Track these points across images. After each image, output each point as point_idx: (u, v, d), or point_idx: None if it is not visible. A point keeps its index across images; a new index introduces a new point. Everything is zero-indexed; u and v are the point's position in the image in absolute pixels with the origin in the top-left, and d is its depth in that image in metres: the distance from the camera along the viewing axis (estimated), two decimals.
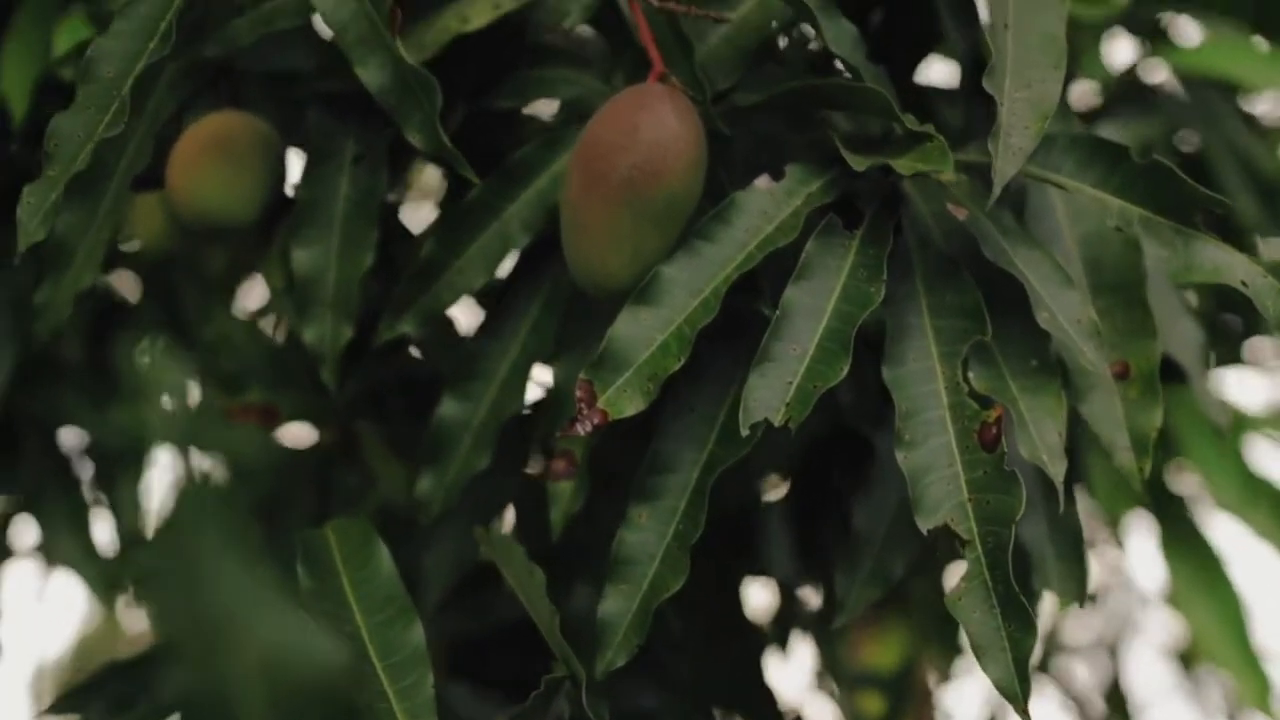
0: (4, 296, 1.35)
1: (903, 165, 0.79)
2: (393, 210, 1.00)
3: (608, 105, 0.85)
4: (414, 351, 1.14)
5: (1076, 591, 0.93)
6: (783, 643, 1.44)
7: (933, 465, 0.80)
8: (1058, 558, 0.93)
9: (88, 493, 1.50)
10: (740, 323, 0.85)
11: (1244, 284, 0.81)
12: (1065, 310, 0.83)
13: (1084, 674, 2.19)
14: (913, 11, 1.02)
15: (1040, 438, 0.80)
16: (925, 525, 0.78)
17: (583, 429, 0.79)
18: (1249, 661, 1.56)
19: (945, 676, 1.88)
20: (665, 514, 0.84)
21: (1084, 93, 1.55)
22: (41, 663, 2.38)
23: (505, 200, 0.93)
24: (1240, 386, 1.80)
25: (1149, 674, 2.17)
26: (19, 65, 1.23)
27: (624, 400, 0.79)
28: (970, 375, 0.82)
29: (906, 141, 0.84)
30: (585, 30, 1.11)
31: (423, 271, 0.93)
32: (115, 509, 1.49)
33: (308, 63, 0.99)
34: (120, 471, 1.48)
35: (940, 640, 1.63)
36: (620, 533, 0.84)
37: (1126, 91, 1.55)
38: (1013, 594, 0.75)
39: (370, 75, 0.86)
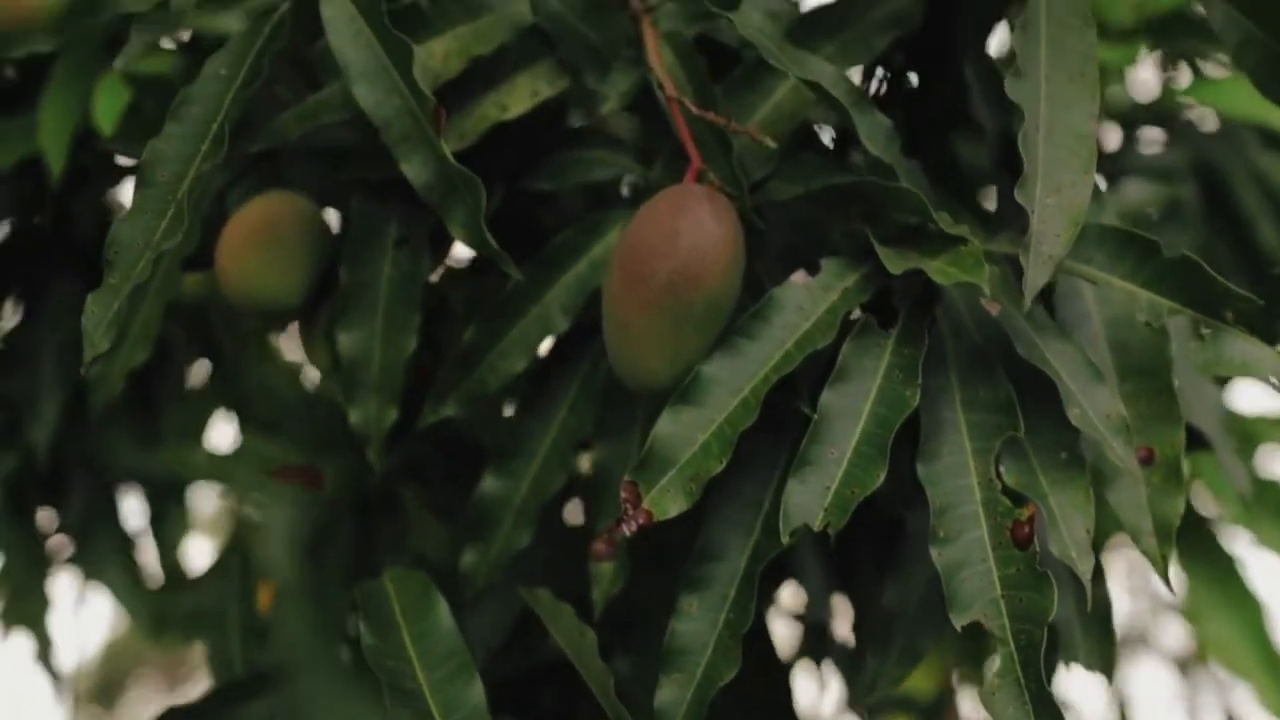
0: (51, 341, 1.38)
1: (938, 273, 0.81)
2: (434, 288, 1.02)
3: (647, 207, 0.87)
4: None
5: (1103, 665, 0.96)
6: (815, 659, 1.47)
7: (966, 561, 0.82)
8: (1085, 634, 0.96)
9: (133, 527, 1.54)
10: (780, 415, 0.87)
11: (1273, 381, 0.83)
12: (1096, 405, 0.85)
13: (1088, 684, 2.23)
14: (943, 88, 1.03)
15: (1069, 534, 0.83)
16: (959, 621, 0.81)
17: (628, 529, 0.82)
18: (1271, 669, 1.58)
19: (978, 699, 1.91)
20: (715, 602, 0.86)
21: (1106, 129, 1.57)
22: (74, 665, 2.43)
23: (544, 286, 0.96)
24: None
25: (1155, 683, 2.20)
26: (56, 121, 1.26)
27: (667, 500, 0.82)
28: (1002, 470, 0.85)
29: (941, 241, 0.85)
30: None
31: (465, 357, 0.96)
32: (160, 544, 1.53)
33: (350, 144, 1.00)
34: (165, 508, 1.52)
35: (973, 664, 1.66)
36: (672, 623, 0.86)
37: (1150, 122, 1.56)
38: (1045, 693, 0.78)
39: (414, 171, 0.88)
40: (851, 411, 0.83)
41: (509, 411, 1.16)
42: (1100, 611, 0.96)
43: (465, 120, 0.96)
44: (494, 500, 0.97)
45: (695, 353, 0.85)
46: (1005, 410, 0.86)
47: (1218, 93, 1.50)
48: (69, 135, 1.24)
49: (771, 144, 0.83)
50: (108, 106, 1.21)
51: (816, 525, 0.79)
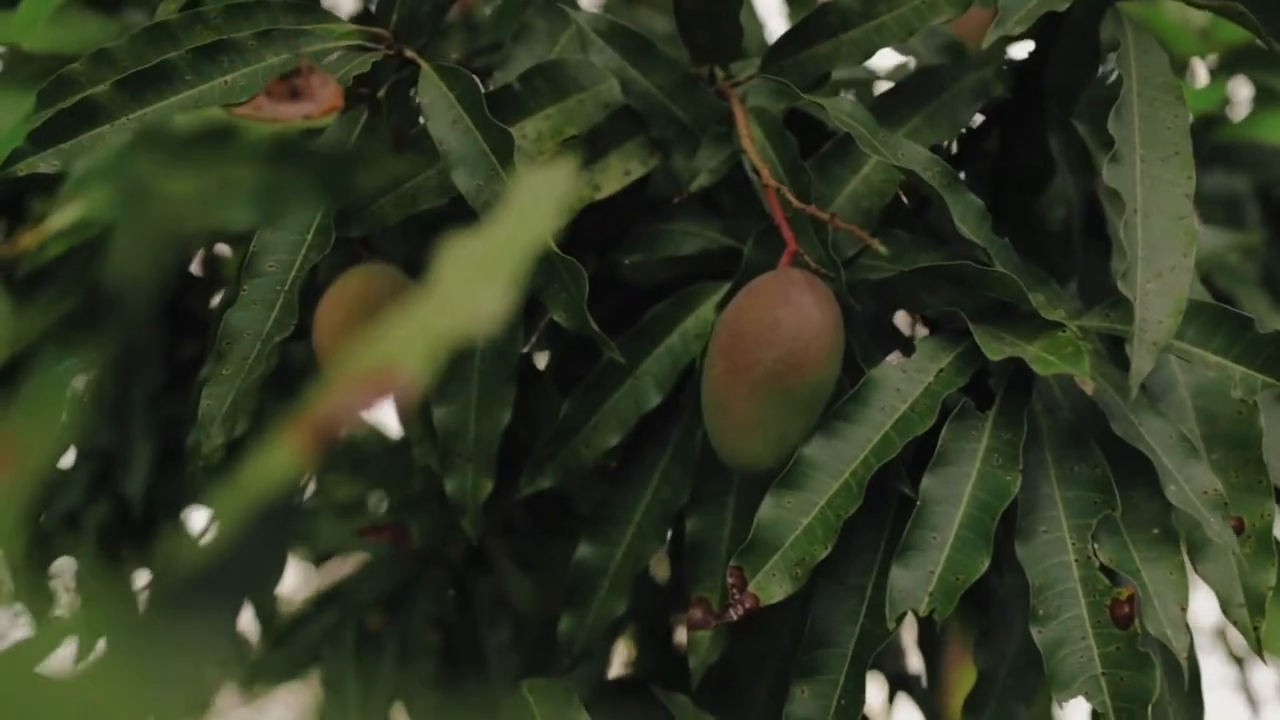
0: (141, 392, 1.40)
1: (1038, 362, 0.83)
2: (526, 358, 1.04)
3: (748, 292, 0.88)
4: None
5: None
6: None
7: (1067, 638, 0.84)
8: (1177, 703, 0.97)
9: None
10: (879, 497, 0.89)
11: None
12: (1193, 483, 0.86)
13: None
14: (1025, 154, 1.04)
15: (1164, 611, 0.85)
16: (1061, 699, 0.83)
17: (735, 614, 0.84)
18: None
19: None
20: (825, 689, 0.87)
21: None
22: None
23: (638, 360, 0.97)
24: None
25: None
26: None
27: (773, 585, 0.84)
28: (1096, 546, 0.87)
29: (1036, 324, 0.87)
30: None
31: (561, 431, 0.97)
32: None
33: (442, 211, 1.02)
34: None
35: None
36: (787, 709, 0.87)
37: (1217, 145, 1.56)
38: None
39: None
40: (953, 496, 0.85)
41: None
42: (1192, 682, 0.97)
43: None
44: (590, 568, 0.99)
45: (797, 435, 0.87)
46: (1102, 488, 0.87)
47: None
48: None
49: (881, 249, 0.85)
50: None
51: (922, 610, 0.81)
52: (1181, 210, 0.87)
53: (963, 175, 1.08)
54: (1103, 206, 1.01)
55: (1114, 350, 0.91)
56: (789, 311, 0.86)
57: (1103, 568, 0.85)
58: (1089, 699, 0.83)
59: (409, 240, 1.08)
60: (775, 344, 0.85)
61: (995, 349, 0.85)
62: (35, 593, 1.51)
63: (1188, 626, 0.85)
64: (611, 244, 1.02)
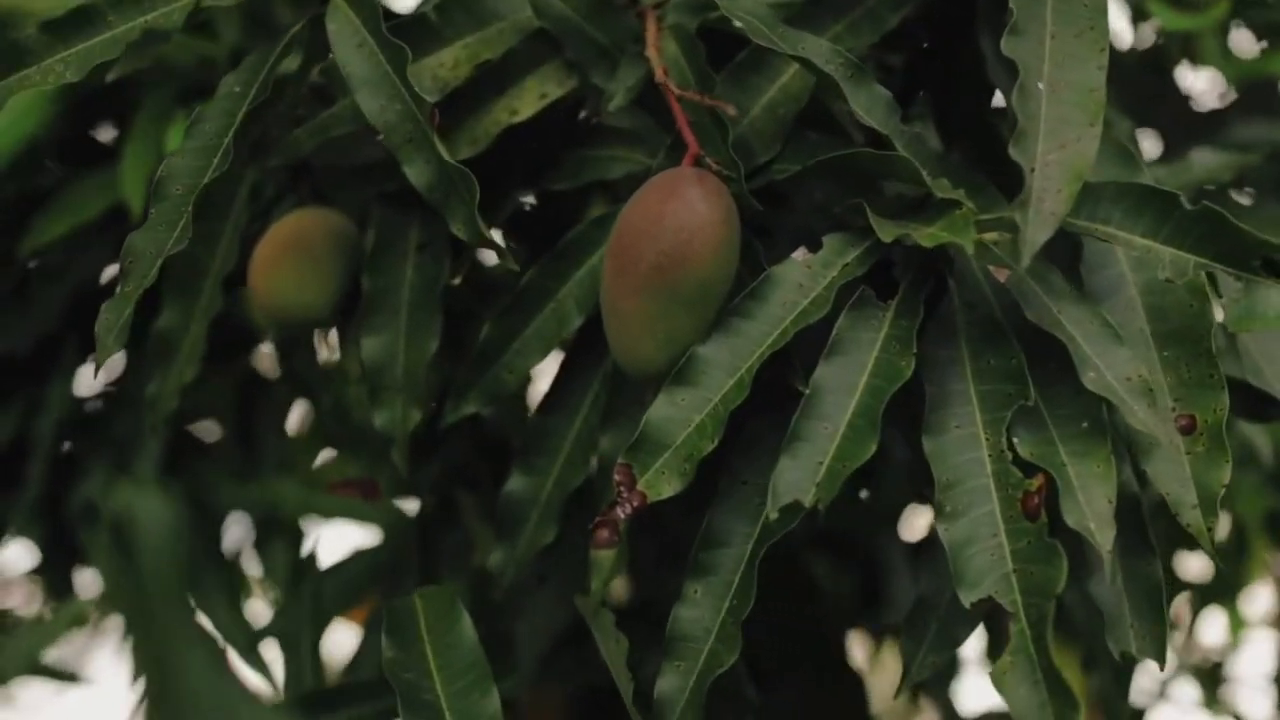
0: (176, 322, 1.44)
1: (925, 237, 0.78)
2: (457, 292, 1.04)
3: (639, 193, 0.86)
4: None
5: (1155, 652, 0.89)
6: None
7: (975, 536, 0.79)
8: (1135, 616, 0.89)
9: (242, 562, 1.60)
10: (783, 396, 0.85)
11: None
12: (1115, 368, 0.80)
13: (1259, 706, 2.09)
14: (963, 60, 1.00)
15: (1088, 504, 0.78)
16: (968, 598, 0.77)
17: (623, 512, 0.81)
18: None
19: None
20: (720, 589, 0.84)
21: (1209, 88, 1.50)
22: None
23: (558, 281, 0.96)
24: None
25: None
26: (137, 166, 1.33)
27: (662, 482, 0.81)
28: (1016, 441, 0.81)
29: (939, 208, 0.83)
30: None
31: (482, 355, 0.96)
32: (269, 576, 1.58)
33: (375, 158, 1.03)
34: (272, 543, 1.56)
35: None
36: (675, 609, 0.85)
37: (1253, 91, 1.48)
38: (1055, 671, 0.74)
39: (416, 174, 0.90)
40: (846, 385, 0.80)
41: None
42: (1148, 592, 0.89)
43: (477, 126, 0.97)
44: (519, 498, 0.97)
45: (690, 335, 0.83)
46: (1015, 379, 0.82)
47: None
48: (147, 181, 1.31)
49: (730, 109, 0.82)
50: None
51: (808, 501, 0.77)
52: (1093, 82, 0.82)
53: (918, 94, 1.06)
54: None
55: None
56: (674, 205, 0.83)
57: (1016, 461, 0.80)
58: (998, 597, 0.77)
59: (358, 191, 1.09)
60: (659, 238, 0.83)
61: (890, 230, 0.81)
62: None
63: (1113, 521, 0.78)
64: (541, 171, 1.01)
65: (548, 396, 0.99)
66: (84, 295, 1.50)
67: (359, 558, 1.36)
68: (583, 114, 1.02)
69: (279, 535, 1.56)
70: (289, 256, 1.02)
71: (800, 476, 0.78)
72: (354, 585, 1.35)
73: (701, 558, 0.85)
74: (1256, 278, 0.81)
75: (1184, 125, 1.52)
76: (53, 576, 1.59)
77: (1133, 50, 1.59)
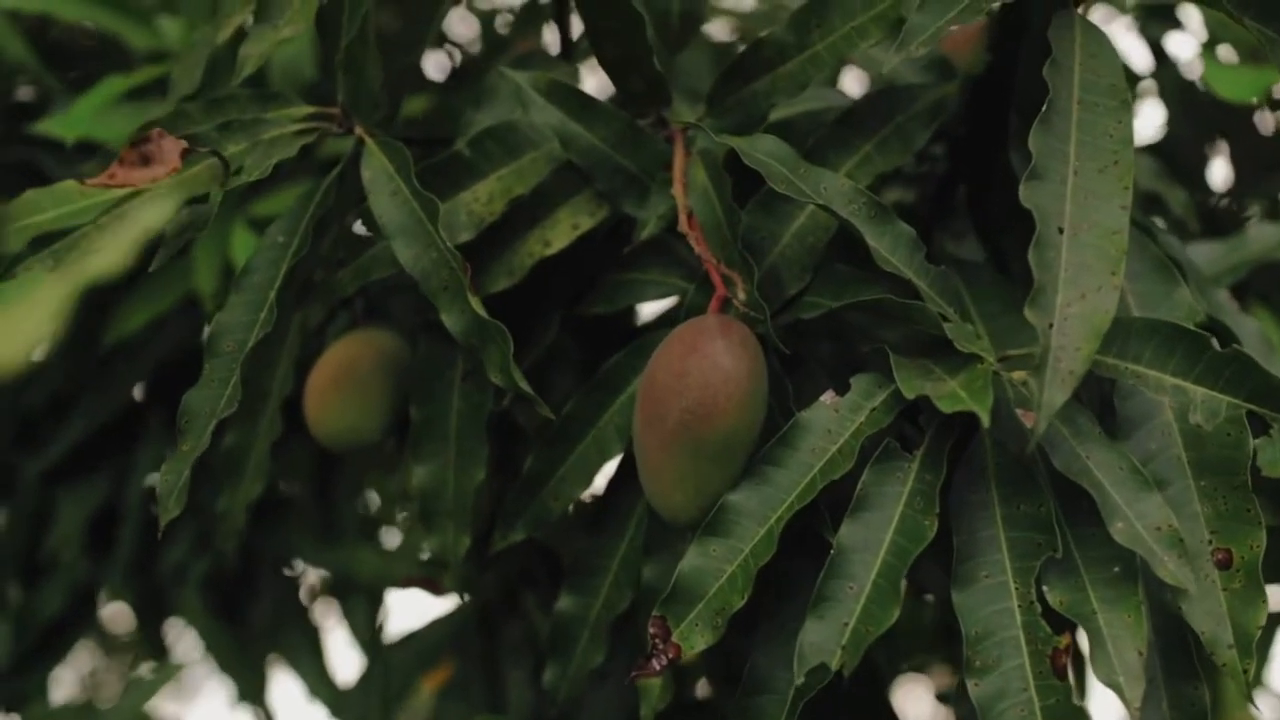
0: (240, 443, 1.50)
1: (944, 400, 0.79)
2: (505, 415, 1.06)
3: (664, 344, 0.88)
4: None
5: None
6: None
7: (1006, 691, 0.79)
8: None
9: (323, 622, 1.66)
10: (815, 541, 0.86)
11: None
12: (1145, 518, 0.80)
13: None
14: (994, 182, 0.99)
15: (1118, 657, 0.78)
16: None
17: (658, 664, 0.83)
18: None
19: None
20: None
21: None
22: None
23: (598, 410, 0.98)
24: None
25: None
26: (207, 258, 1.38)
27: (695, 635, 0.83)
28: (1045, 588, 0.81)
29: (962, 360, 0.83)
30: None
31: (527, 484, 0.99)
32: (356, 638, 1.64)
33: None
34: (353, 603, 1.62)
35: None
36: None
37: None
38: None
39: (452, 321, 0.92)
40: (872, 543, 0.81)
41: None
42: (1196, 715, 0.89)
43: (513, 258, 0.99)
44: (570, 618, 1.00)
45: (720, 485, 0.85)
46: (1044, 528, 0.82)
47: None
48: (218, 272, 1.36)
49: (741, 293, 0.82)
50: (242, 247, 1.32)
51: (834, 665, 0.78)
52: (1115, 224, 0.81)
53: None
54: None
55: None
56: (696, 360, 0.85)
57: (1045, 614, 0.80)
58: None
59: (411, 306, 1.12)
60: (683, 394, 0.84)
61: (912, 385, 0.82)
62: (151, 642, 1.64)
63: (1142, 676, 0.78)
64: (579, 296, 1.03)
65: (595, 518, 1.01)
66: (164, 368, 1.57)
67: (434, 627, 1.41)
68: (625, 246, 1.03)
69: (359, 598, 1.62)
70: (338, 386, 1.06)
71: (826, 638, 0.79)
72: (428, 654, 1.40)
73: (745, 703, 0.87)
74: None
75: (1255, 155, 1.48)
76: (148, 635, 1.67)
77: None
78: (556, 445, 0.99)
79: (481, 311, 0.90)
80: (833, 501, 0.85)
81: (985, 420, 0.77)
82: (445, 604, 1.46)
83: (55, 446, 1.60)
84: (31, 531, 1.64)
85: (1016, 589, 0.81)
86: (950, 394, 0.79)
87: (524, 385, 0.90)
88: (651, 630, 0.83)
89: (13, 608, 1.63)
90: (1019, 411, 0.85)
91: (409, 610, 1.70)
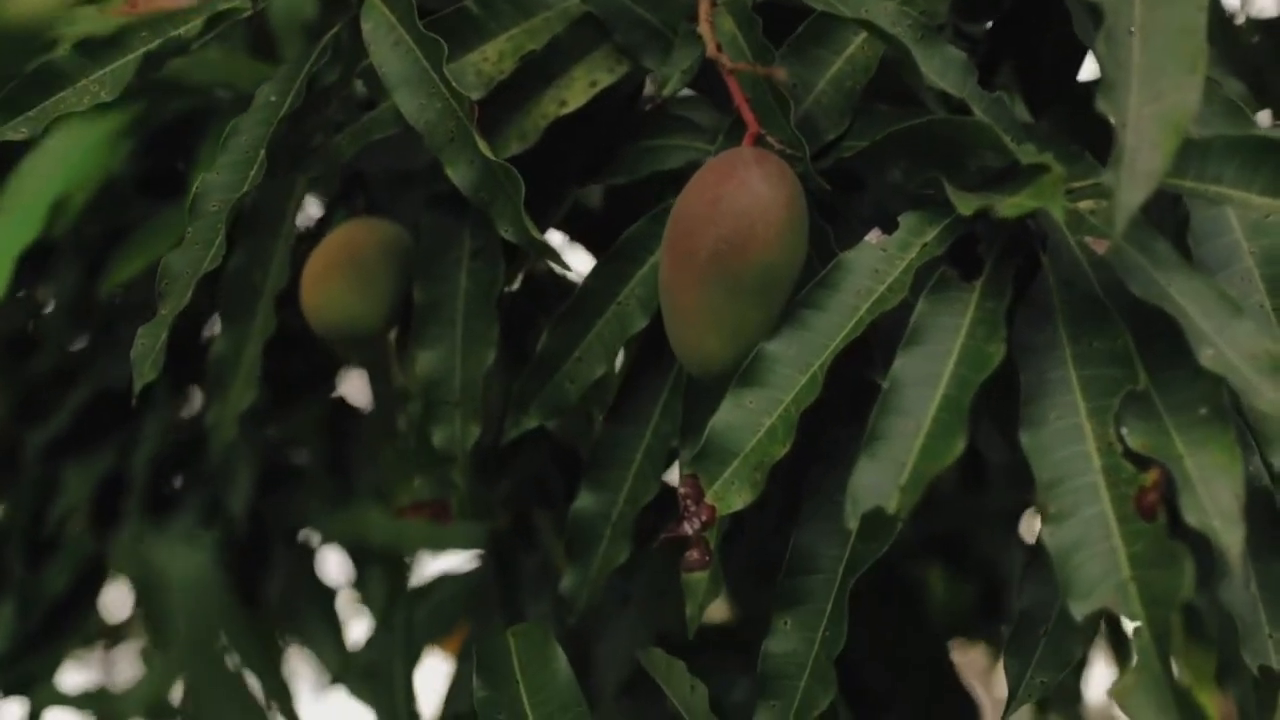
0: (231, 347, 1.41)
1: (1009, 207, 0.70)
2: (517, 299, 0.98)
3: (695, 178, 0.80)
4: None
5: None
6: None
7: (1086, 540, 0.70)
8: (1274, 625, 0.80)
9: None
10: (864, 393, 0.78)
11: None
12: (1237, 345, 0.71)
13: None
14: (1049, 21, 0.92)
15: (1211, 500, 0.69)
16: (1080, 611, 0.68)
17: (690, 528, 0.75)
18: None
19: None
20: (812, 620, 0.78)
21: None
22: None
23: (619, 282, 0.90)
24: None
25: None
26: None
27: (732, 493, 0.74)
28: (1125, 431, 0.72)
29: (1026, 176, 0.74)
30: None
31: (541, 364, 0.90)
32: (368, 603, 1.54)
33: (423, 162, 0.98)
34: (368, 572, 1.53)
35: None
36: (765, 644, 0.78)
37: None
38: (1184, 690, 0.65)
39: (460, 174, 0.84)
40: (929, 376, 0.72)
41: None
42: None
43: (525, 120, 0.92)
44: (590, 517, 0.91)
45: (757, 328, 0.77)
46: (1122, 361, 0.73)
47: None
48: None
49: (782, 74, 0.75)
50: None
51: (891, 508, 0.69)
52: (1192, 23, 0.73)
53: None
54: None
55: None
56: (732, 187, 0.77)
57: (1127, 454, 0.71)
58: (1115, 608, 0.68)
59: (409, 197, 1.04)
60: (717, 223, 0.76)
61: (969, 202, 0.73)
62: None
63: (1241, 518, 0.69)
64: (597, 165, 0.95)
65: (615, 406, 0.92)
66: (172, 329, 1.49)
67: (445, 583, 1.32)
68: (643, 101, 0.95)
69: (375, 564, 1.53)
70: (338, 270, 0.98)
71: (881, 480, 0.70)
72: (443, 613, 1.30)
73: (789, 585, 0.79)
74: None
75: None
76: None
77: (1250, 20, 1.47)
78: (573, 321, 0.90)
79: (490, 155, 0.82)
80: (884, 345, 0.77)
81: (1059, 214, 0.68)
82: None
83: (59, 417, 1.52)
84: (35, 506, 1.55)
85: (1093, 430, 0.72)
86: (1017, 202, 0.71)
87: (536, 234, 0.82)
88: (683, 490, 0.74)
89: (16, 585, 1.54)
90: (1089, 241, 0.77)
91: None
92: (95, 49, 0.90)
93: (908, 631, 1.15)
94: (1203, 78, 0.71)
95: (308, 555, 1.58)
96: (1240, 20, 1.49)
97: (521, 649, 0.84)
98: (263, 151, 0.86)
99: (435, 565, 1.53)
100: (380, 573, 1.55)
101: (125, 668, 2.00)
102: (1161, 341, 0.74)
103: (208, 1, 0.86)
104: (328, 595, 1.55)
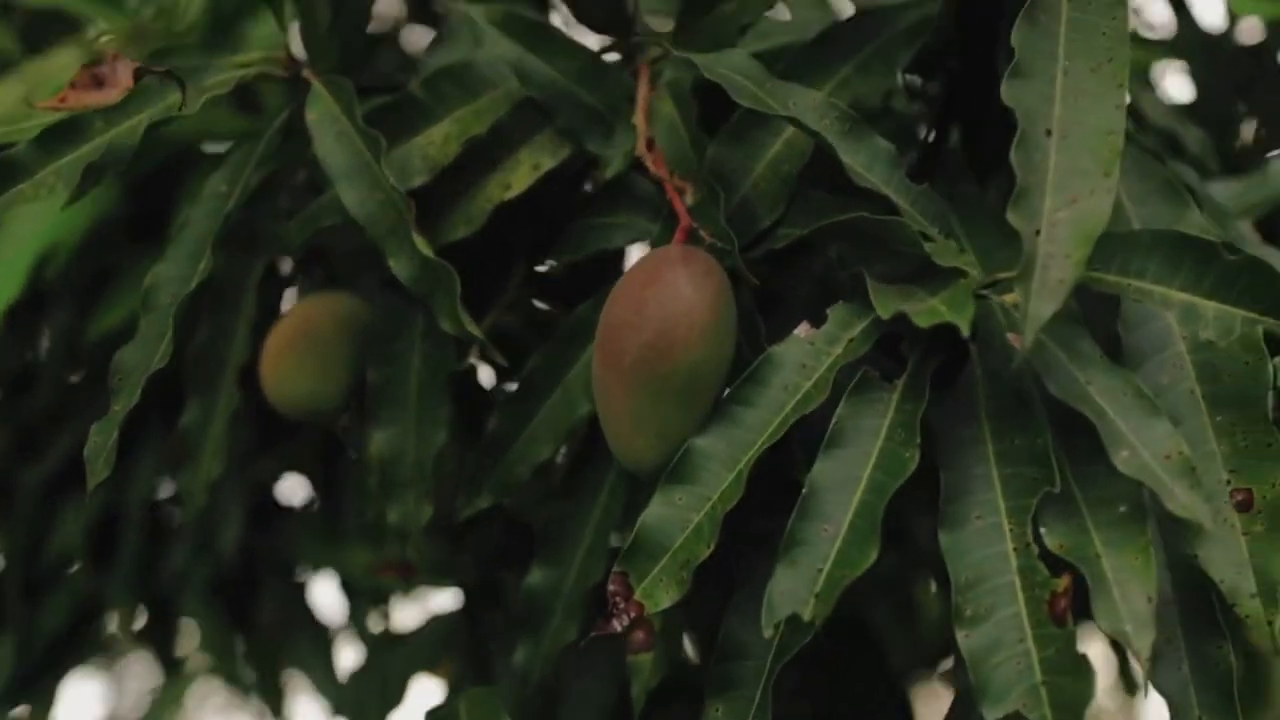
0: (233, 446, 1.44)
1: (921, 315, 0.71)
2: (470, 379, 1.00)
3: (622, 279, 0.81)
4: None
5: None
6: None
7: (1001, 643, 0.71)
8: (1205, 710, 0.80)
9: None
10: (787, 489, 0.79)
11: None
12: (1152, 445, 0.71)
13: None
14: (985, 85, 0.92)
15: (1125, 603, 0.70)
16: (994, 715, 0.70)
17: (619, 624, 0.76)
18: None
19: None
20: (741, 707, 0.78)
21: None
22: None
23: (563, 367, 0.91)
24: None
25: None
26: None
27: (660, 591, 0.75)
28: (1044, 530, 0.73)
29: (944, 276, 0.75)
30: None
31: (492, 446, 0.92)
32: (362, 638, 1.57)
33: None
34: (359, 603, 1.55)
35: None
36: None
37: None
38: None
39: (400, 267, 0.86)
40: (849, 480, 0.73)
41: None
42: (1219, 680, 0.80)
43: (471, 205, 0.93)
44: (541, 593, 0.93)
45: (684, 428, 0.78)
46: (1042, 461, 0.74)
47: None
48: None
49: (689, 197, 0.75)
50: None
51: (806, 614, 0.70)
52: (1110, 125, 0.73)
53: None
54: None
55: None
56: (656, 291, 0.78)
57: (1044, 555, 0.72)
58: (1027, 711, 0.69)
59: (373, 267, 1.06)
60: (641, 329, 0.77)
61: (888, 305, 0.74)
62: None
63: (1152, 623, 0.70)
64: (544, 244, 0.96)
65: (563, 483, 0.94)
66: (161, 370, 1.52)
67: (433, 625, 1.34)
68: (589, 179, 0.96)
69: (364, 598, 1.56)
70: (295, 349, 1.00)
71: (797, 586, 0.71)
72: (427, 653, 1.33)
73: (720, 672, 0.79)
74: None
75: None
76: (157, 645, 1.61)
77: (1230, 33, 1.46)
78: (521, 404, 0.92)
79: (428, 252, 0.84)
80: (808, 442, 0.78)
81: (965, 329, 0.69)
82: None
83: (54, 454, 1.56)
84: (33, 543, 1.59)
85: (1011, 530, 0.73)
86: (929, 309, 0.71)
87: (474, 329, 0.84)
88: (612, 588, 0.76)
89: (16, 622, 1.58)
90: (1010, 336, 0.77)
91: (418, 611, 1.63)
92: (52, 140, 0.91)
93: (867, 671, 1.16)
94: (1115, 182, 0.72)
95: (299, 589, 1.61)
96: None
97: (470, 714, 0.85)
98: (209, 246, 0.88)
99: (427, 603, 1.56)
100: (367, 606, 1.58)
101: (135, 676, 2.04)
102: (1084, 437, 0.74)
103: (135, 95, 0.86)
104: (321, 628, 1.57)
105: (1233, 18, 1.43)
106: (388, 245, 0.86)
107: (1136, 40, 1.48)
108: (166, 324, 0.86)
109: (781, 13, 1.12)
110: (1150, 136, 1.13)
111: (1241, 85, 1.39)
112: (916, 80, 1.05)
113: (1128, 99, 0.74)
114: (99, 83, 0.78)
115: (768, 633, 0.71)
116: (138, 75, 0.80)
